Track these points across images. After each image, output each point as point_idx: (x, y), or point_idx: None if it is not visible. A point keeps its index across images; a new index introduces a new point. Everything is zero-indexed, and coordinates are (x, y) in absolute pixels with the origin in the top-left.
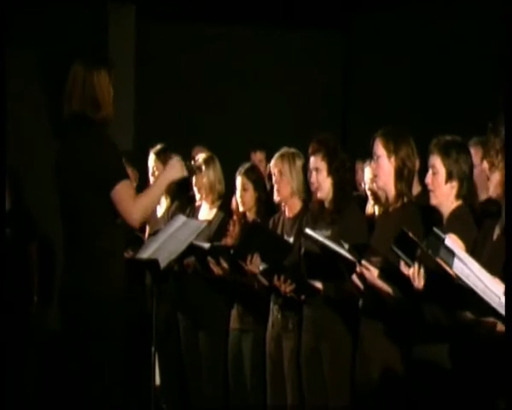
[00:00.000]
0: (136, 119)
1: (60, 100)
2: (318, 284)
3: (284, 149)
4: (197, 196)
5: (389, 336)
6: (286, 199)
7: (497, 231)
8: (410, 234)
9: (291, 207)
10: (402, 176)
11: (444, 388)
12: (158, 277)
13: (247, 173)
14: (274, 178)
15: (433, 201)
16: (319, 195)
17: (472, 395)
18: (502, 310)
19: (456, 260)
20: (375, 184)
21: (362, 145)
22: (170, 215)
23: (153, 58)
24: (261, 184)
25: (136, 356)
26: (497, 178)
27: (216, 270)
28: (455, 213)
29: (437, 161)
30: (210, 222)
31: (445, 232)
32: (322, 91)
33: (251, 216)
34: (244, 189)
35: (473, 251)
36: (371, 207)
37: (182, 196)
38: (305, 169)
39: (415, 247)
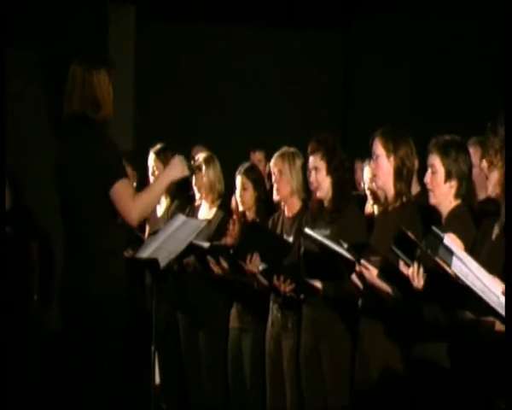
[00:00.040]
0: (136, 119)
1: (60, 100)
2: (318, 284)
3: (284, 149)
4: (197, 196)
5: (388, 336)
6: (285, 198)
7: (495, 231)
8: (410, 234)
9: (290, 207)
10: (401, 175)
11: (443, 387)
12: (158, 276)
13: (246, 173)
14: (274, 178)
15: (432, 200)
16: (318, 194)
17: (471, 395)
18: (500, 309)
19: (454, 260)
20: (374, 184)
21: (362, 145)
22: (169, 215)
23: (153, 58)
24: (261, 184)
25: (136, 355)
26: (495, 177)
27: (215, 269)
28: (454, 212)
29: (436, 161)
30: (209, 221)
31: (444, 232)
32: (322, 91)
33: (250, 215)
34: (244, 188)
35: (472, 250)
36: (370, 207)
37: (181, 196)
38: (305, 168)
39: (414, 246)
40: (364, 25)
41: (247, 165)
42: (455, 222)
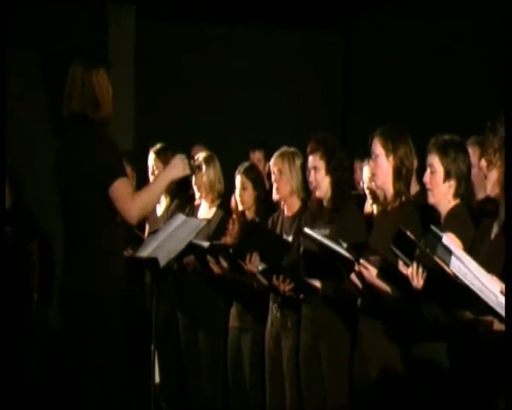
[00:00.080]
0: (136, 119)
1: (60, 100)
2: (317, 283)
3: (284, 148)
4: (197, 195)
5: (388, 335)
6: (285, 198)
7: (494, 230)
8: (409, 233)
9: (290, 206)
10: (400, 175)
11: (442, 386)
12: (157, 275)
13: (246, 172)
14: (273, 177)
15: (431, 199)
16: (317, 193)
17: (470, 394)
18: (499, 308)
19: (453, 259)
20: (373, 183)
21: (362, 145)
22: (169, 214)
23: (153, 58)
24: (260, 183)
25: (136, 355)
26: (494, 176)
27: (215, 269)
28: (452, 211)
29: (435, 160)
30: (209, 221)
31: (443, 231)
32: (322, 91)
33: (250, 215)
34: (243, 188)
35: (471, 250)
36: (369, 206)
37: (181, 195)
38: (304, 168)
39: (413, 246)
40: (364, 25)
41: (246, 164)
42: (454, 222)
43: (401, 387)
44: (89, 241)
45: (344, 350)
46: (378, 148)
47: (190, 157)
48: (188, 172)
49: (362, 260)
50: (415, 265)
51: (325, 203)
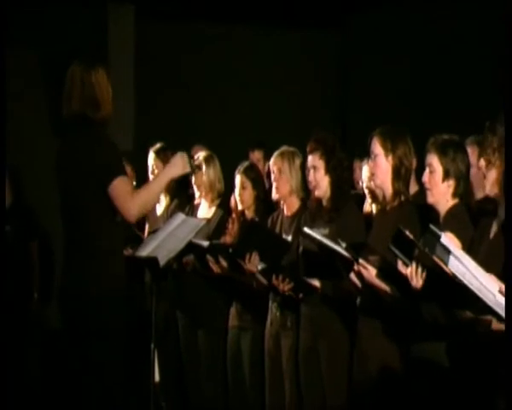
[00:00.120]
0: (136, 119)
1: (60, 100)
2: (316, 283)
3: (284, 148)
4: (196, 194)
5: (387, 335)
6: (284, 197)
7: (493, 230)
8: (408, 233)
9: (289, 206)
10: (399, 175)
11: (441, 386)
12: (157, 275)
13: (245, 172)
14: (273, 176)
15: (430, 199)
16: (317, 193)
17: (470, 394)
18: (497, 307)
19: (451, 258)
20: (372, 183)
21: (362, 145)
22: (169, 213)
23: (153, 58)
24: (260, 183)
25: (136, 354)
26: (493, 175)
27: (215, 268)
28: (451, 211)
29: (434, 160)
30: (209, 220)
31: (442, 231)
32: (321, 91)
33: (249, 214)
34: (243, 187)
35: (469, 249)
36: (369, 206)
37: (181, 195)
38: (304, 168)
39: (412, 246)
40: (364, 25)
41: (246, 164)
42: (452, 221)
43: (400, 386)
44: (89, 240)
45: (343, 349)
46: (377, 147)
47: (190, 156)
48: (188, 169)
49: (361, 260)
50: (414, 264)
51: (324, 203)
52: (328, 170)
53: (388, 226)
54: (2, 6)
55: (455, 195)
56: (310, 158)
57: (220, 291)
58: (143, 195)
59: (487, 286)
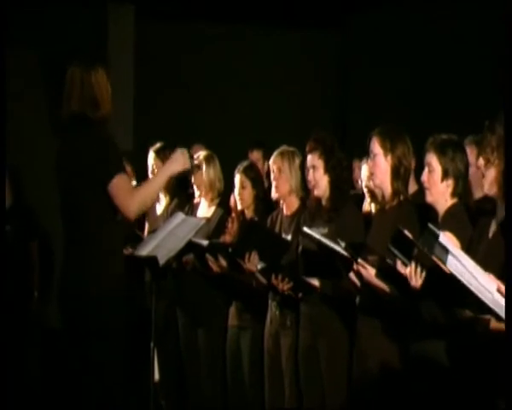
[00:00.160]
0: (136, 118)
1: (60, 100)
2: (315, 282)
3: (283, 147)
4: (196, 194)
5: (386, 334)
6: (284, 196)
7: (492, 229)
8: (407, 232)
9: (289, 205)
10: (398, 174)
11: (441, 385)
12: (157, 274)
13: (245, 171)
14: (272, 175)
15: (429, 198)
16: (316, 192)
17: (470, 393)
18: (495, 306)
19: (450, 258)
20: (371, 182)
21: (361, 145)
22: (169, 212)
23: (153, 58)
24: (259, 182)
25: (136, 353)
26: (492, 175)
27: (214, 267)
28: (450, 211)
29: (433, 159)
30: (209, 219)
31: (441, 230)
32: (321, 91)
33: (249, 214)
34: (242, 186)
35: (468, 249)
36: (368, 205)
37: (181, 194)
38: (303, 167)
39: (411, 245)
40: (364, 25)
41: (246, 163)
42: (451, 221)
43: (399, 385)
44: (89, 240)
45: (342, 348)
46: (376, 147)
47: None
48: (188, 166)
49: (360, 260)
50: (413, 264)
51: (324, 202)
52: (327, 170)
53: (387, 226)
54: (2, 6)
55: (454, 194)
56: (309, 158)
57: (220, 290)
58: (143, 192)
59: (486, 285)
